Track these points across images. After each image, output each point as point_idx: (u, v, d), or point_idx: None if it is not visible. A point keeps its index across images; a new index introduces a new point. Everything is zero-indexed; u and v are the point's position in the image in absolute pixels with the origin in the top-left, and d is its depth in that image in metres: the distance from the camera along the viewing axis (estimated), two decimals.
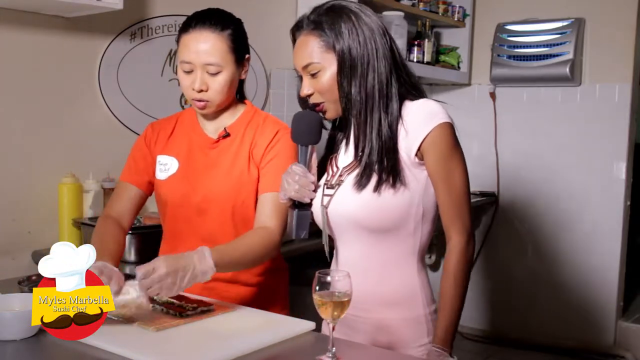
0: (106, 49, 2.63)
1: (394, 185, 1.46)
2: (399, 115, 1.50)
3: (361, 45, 1.48)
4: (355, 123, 1.51)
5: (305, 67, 1.51)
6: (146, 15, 2.77)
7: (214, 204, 1.75)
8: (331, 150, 1.64)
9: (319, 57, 1.50)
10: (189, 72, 1.70)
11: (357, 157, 1.52)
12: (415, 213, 1.49)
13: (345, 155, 1.58)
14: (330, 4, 1.52)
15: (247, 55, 1.77)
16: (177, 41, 1.74)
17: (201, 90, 1.69)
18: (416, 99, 1.51)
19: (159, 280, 1.41)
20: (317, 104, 1.53)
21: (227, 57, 1.70)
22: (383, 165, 1.46)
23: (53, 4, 2.27)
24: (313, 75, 1.51)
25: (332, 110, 1.54)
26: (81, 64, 2.56)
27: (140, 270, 1.41)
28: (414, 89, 1.54)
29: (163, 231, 1.88)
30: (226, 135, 1.77)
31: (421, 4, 3.83)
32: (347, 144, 1.58)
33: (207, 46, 1.67)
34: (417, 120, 1.47)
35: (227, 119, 1.80)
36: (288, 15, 3.38)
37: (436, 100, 1.52)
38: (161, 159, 1.82)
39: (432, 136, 1.46)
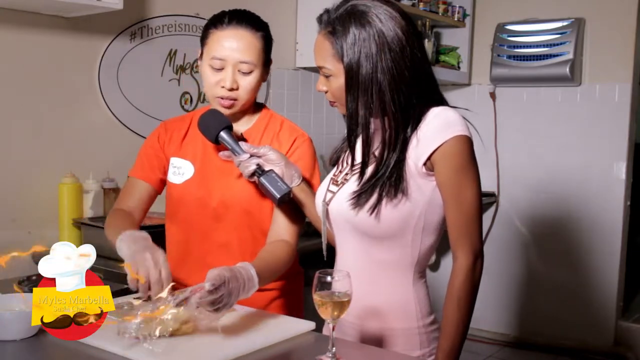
0: (106, 49, 2.63)
1: (395, 196, 1.40)
2: (415, 129, 1.42)
3: (372, 63, 1.39)
4: (364, 143, 1.45)
5: (320, 67, 1.48)
6: (146, 15, 2.77)
7: (230, 210, 1.71)
8: (347, 143, 1.58)
9: (330, 63, 1.45)
10: (218, 70, 1.66)
11: (361, 168, 1.46)
12: (415, 224, 1.43)
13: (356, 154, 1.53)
14: (350, 7, 1.43)
15: (271, 60, 1.74)
16: (205, 37, 1.69)
17: (231, 89, 1.66)
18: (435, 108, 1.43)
19: (229, 294, 1.33)
20: (331, 100, 1.51)
21: (260, 57, 1.68)
22: (384, 180, 1.41)
23: (53, 4, 2.27)
24: (327, 77, 1.47)
25: (343, 109, 1.50)
26: (81, 64, 2.56)
27: (219, 275, 1.33)
28: (435, 101, 1.45)
29: (170, 234, 1.82)
30: (243, 140, 1.72)
31: (421, 4, 3.83)
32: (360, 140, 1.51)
33: (242, 44, 1.64)
34: (431, 129, 1.39)
35: (244, 124, 1.76)
36: (288, 15, 3.38)
37: (456, 108, 1.45)
38: (175, 161, 1.77)
39: (445, 148, 1.38)
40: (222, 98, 1.67)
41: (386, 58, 1.39)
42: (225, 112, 1.69)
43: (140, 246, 1.45)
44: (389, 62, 1.39)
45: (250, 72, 1.66)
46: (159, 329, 1.30)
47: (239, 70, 1.65)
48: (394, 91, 1.40)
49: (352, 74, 1.41)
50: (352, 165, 1.51)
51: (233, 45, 1.64)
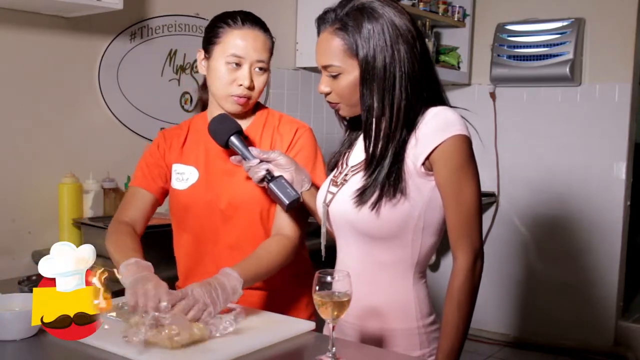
0: (106, 49, 2.63)
1: (394, 196, 1.40)
2: (413, 129, 1.41)
3: (388, 55, 1.39)
4: (374, 136, 1.44)
5: (326, 67, 1.46)
6: (146, 15, 2.77)
7: (240, 210, 1.71)
8: (346, 145, 1.60)
9: (340, 60, 1.42)
10: (235, 68, 1.67)
11: (366, 166, 1.45)
12: (414, 225, 1.43)
13: (356, 155, 1.54)
14: (358, 4, 1.42)
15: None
16: (216, 35, 1.69)
17: (248, 87, 1.67)
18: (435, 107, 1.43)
19: (201, 301, 1.36)
20: (333, 102, 1.50)
21: (270, 59, 1.72)
22: (387, 178, 1.40)
23: (53, 4, 2.27)
24: (333, 77, 1.45)
25: (347, 111, 1.50)
26: (81, 64, 2.56)
27: (175, 294, 1.36)
28: (437, 98, 1.46)
29: (180, 244, 1.81)
30: (246, 138, 1.73)
31: (421, 4, 3.83)
32: (359, 141, 1.51)
33: (259, 44, 1.68)
34: (430, 129, 1.39)
35: (243, 123, 1.76)
36: (288, 15, 3.38)
37: (456, 108, 1.44)
38: (177, 167, 1.77)
39: (444, 147, 1.37)
40: (238, 96, 1.68)
41: (400, 49, 1.40)
42: (238, 109, 1.71)
43: (143, 276, 1.44)
44: (402, 53, 1.40)
45: (264, 72, 1.70)
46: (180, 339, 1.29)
47: (254, 69, 1.68)
48: (403, 86, 1.40)
49: (368, 67, 1.40)
50: (367, 161, 1.47)
51: (251, 44, 1.67)
